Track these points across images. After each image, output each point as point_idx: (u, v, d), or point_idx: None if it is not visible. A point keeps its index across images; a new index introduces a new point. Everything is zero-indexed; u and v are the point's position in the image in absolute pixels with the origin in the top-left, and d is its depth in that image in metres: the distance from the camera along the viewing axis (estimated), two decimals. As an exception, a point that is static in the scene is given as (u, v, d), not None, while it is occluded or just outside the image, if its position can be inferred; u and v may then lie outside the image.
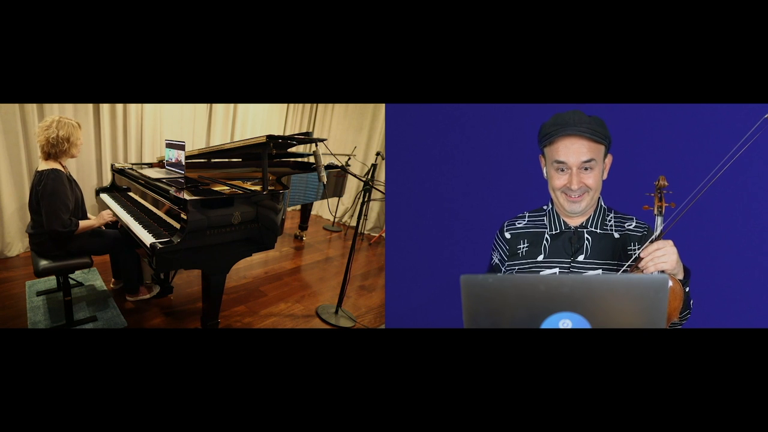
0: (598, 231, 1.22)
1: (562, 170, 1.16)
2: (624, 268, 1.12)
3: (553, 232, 1.24)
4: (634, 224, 1.23)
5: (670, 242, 1.01)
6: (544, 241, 1.25)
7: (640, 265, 1.03)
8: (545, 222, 1.27)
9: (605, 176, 1.21)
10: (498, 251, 1.32)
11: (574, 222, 1.24)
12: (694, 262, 1.16)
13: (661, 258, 1.00)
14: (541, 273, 1.23)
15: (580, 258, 1.21)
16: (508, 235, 1.31)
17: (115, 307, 2.63)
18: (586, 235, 1.22)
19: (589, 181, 1.16)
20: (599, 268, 1.20)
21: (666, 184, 1.11)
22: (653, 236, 1.07)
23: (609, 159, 1.21)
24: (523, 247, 1.27)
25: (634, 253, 1.18)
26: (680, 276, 1.05)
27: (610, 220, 1.24)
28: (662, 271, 1.01)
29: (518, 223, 1.31)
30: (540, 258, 1.24)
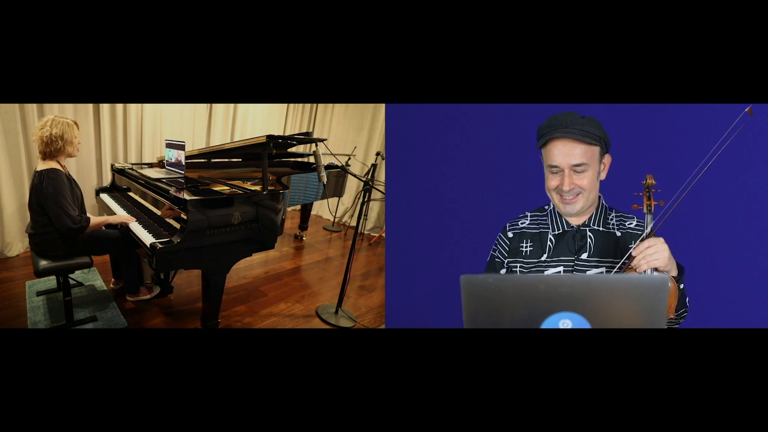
0: (601, 229, 1.23)
1: (554, 172, 1.17)
2: (617, 267, 1.12)
3: (557, 232, 1.25)
4: (635, 223, 1.24)
5: (661, 239, 1.02)
6: (548, 242, 1.25)
7: (632, 264, 1.03)
8: (547, 222, 1.27)
9: (603, 176, 1.21)
10: (498, 249, 1.33)
11: (576, 221, 1.24)
12: (693, 262, 1.17)
13: (652, 255, 1.00)
14: (545, 272, 1.23)
15: (584, 256, 1.21)
16: (510, 234, 1.31)
17: (115, 307, 2.63)
18: (588, 233, 1.22)
19: (582, 182, 1.15)
20: (602, 266, 1.20)
21: (654, 182, 1.11)
22: (644, 234, 1.08)
23: (607, 159, 1.21)
24: (527, 247, 1.27)
25: None
26: (673, 273, 1.05)
27: (611, 219, 1.24)
28: (655, 269, 1.01)
29: (520, 223, 1.31)
30: (544, 257, 1.24)
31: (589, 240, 1.22)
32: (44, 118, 2.21)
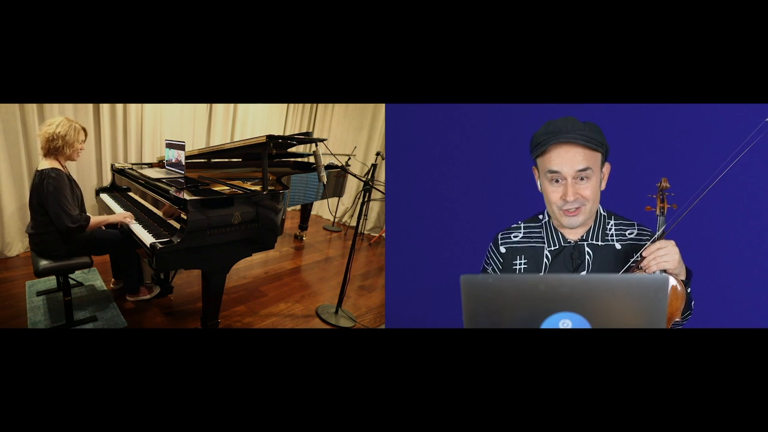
0: (599, 243, 1.17)
1: (557, 181, 1.11)
2: (626, 267, 1.09)
3: (553, 248, 1.19)
4: (636, 232, 1.18)
5: (672, 242, 1.01)
6: (545, 259, 1.19)
7: (642, 265, 1.03)
8: (542, 236, 1.22)
9: (603, 186, 1.15)
10: (492, 265, 1.27)
11: (573, 235, 1.18)
12: (694, 262, 1.16)
13: (663, 257, 0.99)
14: None
15: (582, 274, 1.16)
16: (503, 249, 1.24)
17: (115, 307, 2.63)
18: (587, 249, 1.17)
19: (586, 192, 1.10)
20: None
21: (668, 185, 1.10)
22: (655, 236, 1.07)
23: (607, 168, 1.16)
24: (521, 264, 1.21)
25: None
26: (682, 276, 1.04)
27: (610, 229, 1.18)
28: (664, 271, 1.01)
29: (513, 236, 1.24)
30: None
31: (587, 257, 1.16)
32: (57, 117, 2.24)
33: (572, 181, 1.10)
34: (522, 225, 1.25)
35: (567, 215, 1.12)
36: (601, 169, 1.14)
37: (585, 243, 1.18)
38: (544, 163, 1.13)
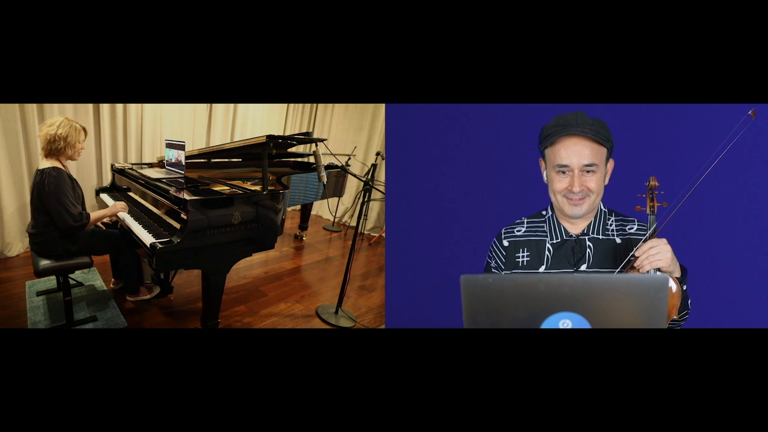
0: (600, 237, 1.19)
1: (564, 173, 1.14)
2: (620, 267, 1.10)
3: (555, 241, 1.21)
4: (636, 227, 1.20)
5: (663, 240, 1.01)
6: (546, 252, 1.21)
7: (635, 265, 1.03)
8: (545, 230, 1.24)
9: (607, 181, 1.18)
10: (495, 259, 1.29)
11: (575, 229, 1.21)
12: (694, 263, 1.16)
13: (655, 256, 1.00)
14: None
15: (583, 267, 1.18)
16: (506, 243, 1.27)
17: (115, 307, 2.63)
18: (588, 243, 1.19)
19: (591, 184, 1.13)
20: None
21: (657, 184, 1.11)
22: (646, 235, 1.08)
23: (611, 164, 1.19)
24: (523, 257, 1.24)
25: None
26: (677, 274, 1.05)
27: (611, 224, 1.21)
28: (658, 269, 1.01)
29: (517, 231, 1.27)
30: (542, 269, 1.21)
31: (588, 251, 1.19)
32: (56, 117, 2.23)
33: (578, 172, 1.13)
34: (525, 220, 1.29)
35: (571, 203, 1.15)
36: (606, 164, 1.17)
37: (586, 237, 1.20)
38: (552, 154, 1.17)
